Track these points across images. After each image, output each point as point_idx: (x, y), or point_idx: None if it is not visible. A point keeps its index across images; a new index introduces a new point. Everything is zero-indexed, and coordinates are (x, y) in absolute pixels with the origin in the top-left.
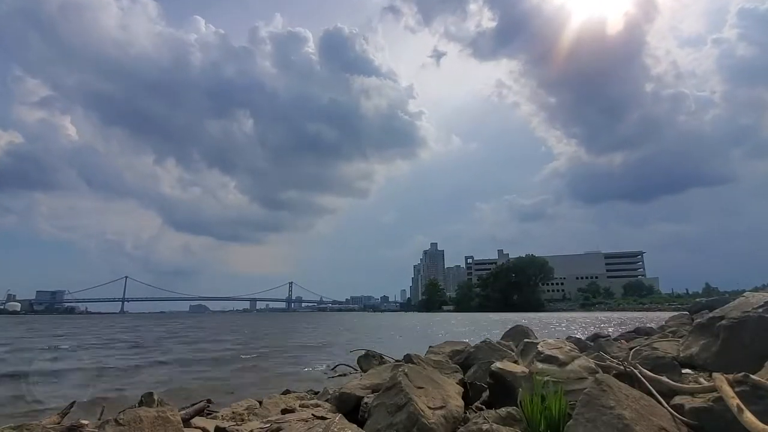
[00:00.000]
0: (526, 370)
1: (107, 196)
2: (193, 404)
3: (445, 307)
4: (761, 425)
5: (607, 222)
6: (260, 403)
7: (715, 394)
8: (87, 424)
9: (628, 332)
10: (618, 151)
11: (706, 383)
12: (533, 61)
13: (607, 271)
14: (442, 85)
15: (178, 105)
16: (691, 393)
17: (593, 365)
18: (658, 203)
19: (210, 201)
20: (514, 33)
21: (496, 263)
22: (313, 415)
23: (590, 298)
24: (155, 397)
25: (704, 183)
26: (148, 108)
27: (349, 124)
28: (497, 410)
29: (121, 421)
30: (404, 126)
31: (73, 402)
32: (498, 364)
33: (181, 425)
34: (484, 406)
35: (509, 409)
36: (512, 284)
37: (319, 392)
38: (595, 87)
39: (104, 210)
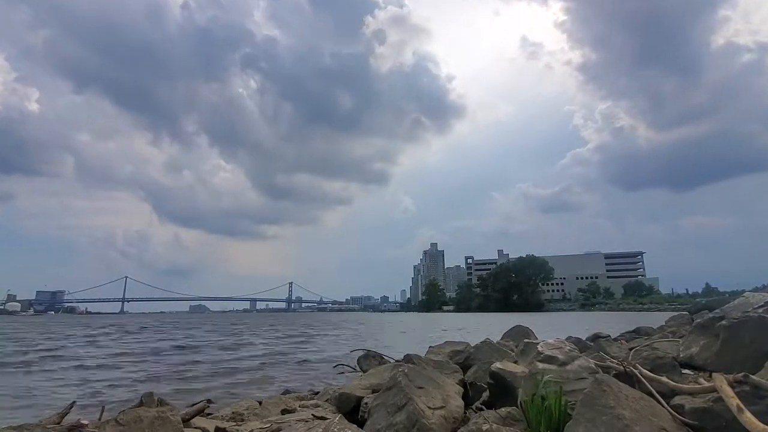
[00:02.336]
0: (526, 370)
1: (94, 184)
2: (193, 404)
3: (445, 308)
4: (761, 425)
5: (639, 213)
6: (260, 403)
7: (715, 395)
8: (87, 424)
9: (628, 332)
10: (686, 125)
11: (706, 383)
12: (575, 8)
13: (607, 271)
14: (460, 42)
15: (162, 67)
16: (691, 393)
17: (593, 365)
18: (695, 193)
19: (210, 191)
20: None
21: (496, 263)
22: (313, 415)
23: (590, 298)
24: (155, 397)
25: (755, 168)
26: (129, 74)
27: (363, 85)
28: (497, 410)
29: (121, 421)
30: (433, 88)
31: (73, 402)
32: (498, 365)
33: (181, 425)
34: (484, 406)
35: (509, 409)
36: (512, 284)
37: (319, 392)
38: (663, 40)
39: (94, 203)
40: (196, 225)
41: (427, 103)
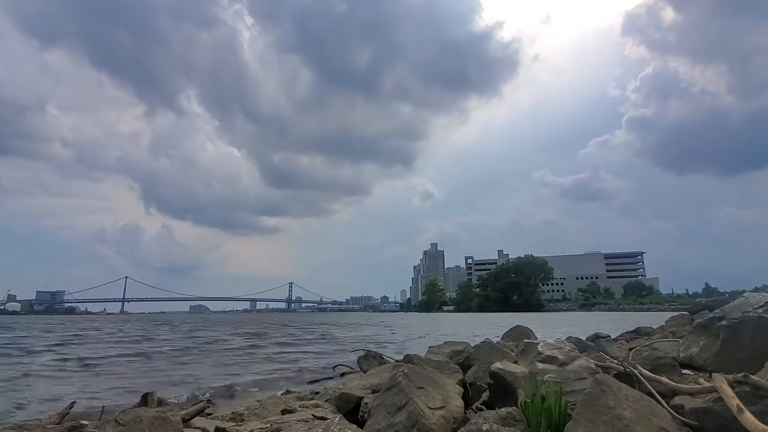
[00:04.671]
0: (526, 371)
1: (82, 172)
2: (193, 404)
3: (445, 308)
4: (761, 425)
5: (679, 203)
6: (260, 403)
7: (715, 395)
8: (87, 425)
9: (628, 332)
10: None
11: (706, 383)
12: None
13: (607, 271)
14: None
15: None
16: (691, 393)
17: (593, 365)
18: (741, 179)
19: (210, 179)
20: None
21: (495, 263)
22: (313, 415)
23: (590, 298)
24: (155, 397)
25: None
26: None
27: (384, 31)
28: (497, 410)
29: (121, 422)
30: (471, 40)
31: (74, 402)
32: (498, 365)
33: (181, 425)
34: (484, 407)
35: (509, 409)
36: (512, 284)
37: (319, 392)
38: None
39: (85, 201)
40: (195, 219)
41: (466, 55)
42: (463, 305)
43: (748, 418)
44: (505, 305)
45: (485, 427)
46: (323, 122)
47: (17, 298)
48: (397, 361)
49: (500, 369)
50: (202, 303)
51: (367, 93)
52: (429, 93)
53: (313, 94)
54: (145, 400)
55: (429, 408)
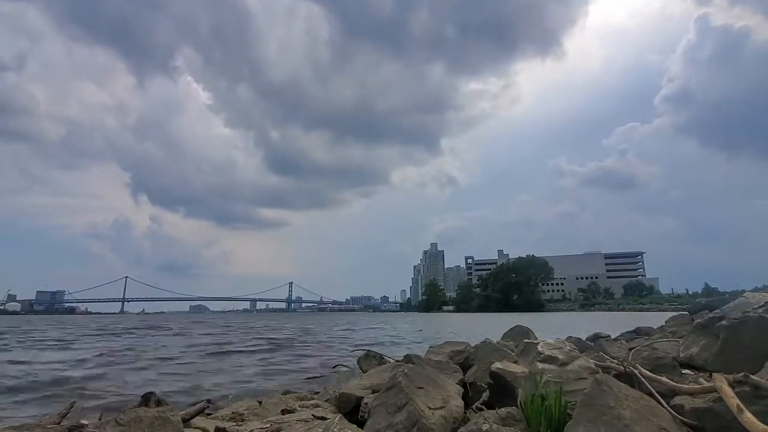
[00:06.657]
0: (526, 370)
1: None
2: (194, 404)
3: (445, 308)
4: (761, 425)
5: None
6: (260, 403)
7: (715, 395)
8: (87, 425)
9: (628, 332)
10: None
11: (706, 383)
12: None
13: (607, 271)
14: None
15: None
16: (691, 393)
17: (593, 365)
18: None
19: (212, 168)
20: None
21: (495, 263)
22: (313, 415)
23: (590, 298)
24: (155, 397)
25: None
26: None
27: None
28: (497, 410)
29: (121, 422)
30: None
31: (73, 402)
32: (498, 365)
33: (181, 425)
34: (484, 407)
35: (509, 409)
36: (512, 284)
37: (319, 392)
38: None
39: (82, 200)
40: (191, 212)
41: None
42: (463, 305)
43: (748, 418)
44: (505, 305)
45: (485, 427)
46: (338, 90)
47: (17, 298)
48: (397, 361)
49: (500, 369)
50: (202, 303)
51: (393, 46)
52: (465, 47)
53: (327, 52)
54: (145, 400)
55: (429, 408)
